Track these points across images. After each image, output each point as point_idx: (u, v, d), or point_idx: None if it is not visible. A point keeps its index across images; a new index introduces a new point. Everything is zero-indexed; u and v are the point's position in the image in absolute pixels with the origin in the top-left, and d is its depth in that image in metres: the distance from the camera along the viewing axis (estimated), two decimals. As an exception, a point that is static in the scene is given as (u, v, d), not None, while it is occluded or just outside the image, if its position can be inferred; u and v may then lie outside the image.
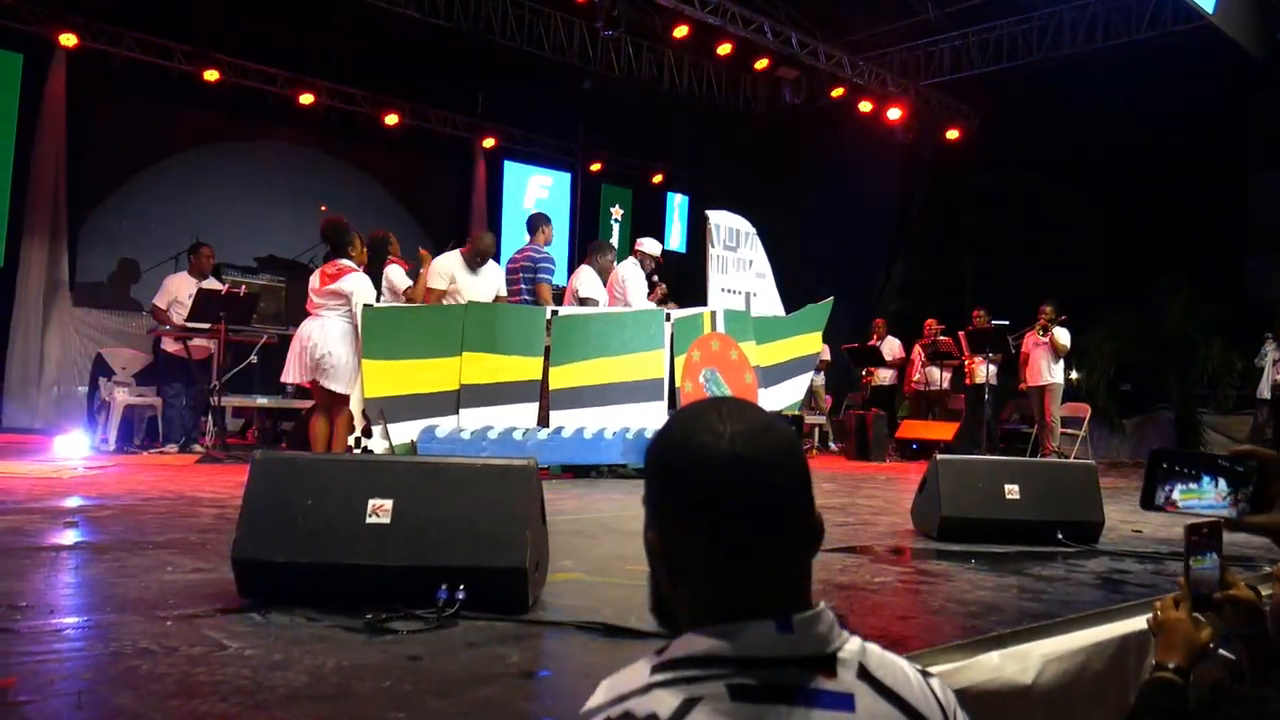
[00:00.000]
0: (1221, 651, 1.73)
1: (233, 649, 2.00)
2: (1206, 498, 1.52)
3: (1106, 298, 12.16)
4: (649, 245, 8.33)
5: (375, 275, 6.77)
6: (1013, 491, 3.99)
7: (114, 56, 10.97)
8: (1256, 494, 1.47)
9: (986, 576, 3.24)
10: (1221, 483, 1.51)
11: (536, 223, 7.67)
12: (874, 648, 0.99)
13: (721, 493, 0.95)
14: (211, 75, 11.46)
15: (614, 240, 15.31)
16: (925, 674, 1.02)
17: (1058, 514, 4.02)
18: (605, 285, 7.79)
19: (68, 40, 10.41)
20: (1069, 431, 10.61)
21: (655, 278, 8.40)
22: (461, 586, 2.28)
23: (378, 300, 6.38)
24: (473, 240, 7.17)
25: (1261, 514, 1.47)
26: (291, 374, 6.31)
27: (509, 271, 7.50)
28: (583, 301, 7.62)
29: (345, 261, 6.28)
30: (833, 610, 0.99)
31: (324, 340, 6.09)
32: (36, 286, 10.40)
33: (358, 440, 5.96)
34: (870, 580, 3.09)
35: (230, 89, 11.78)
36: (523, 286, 7.37)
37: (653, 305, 8.04)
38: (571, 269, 13.68)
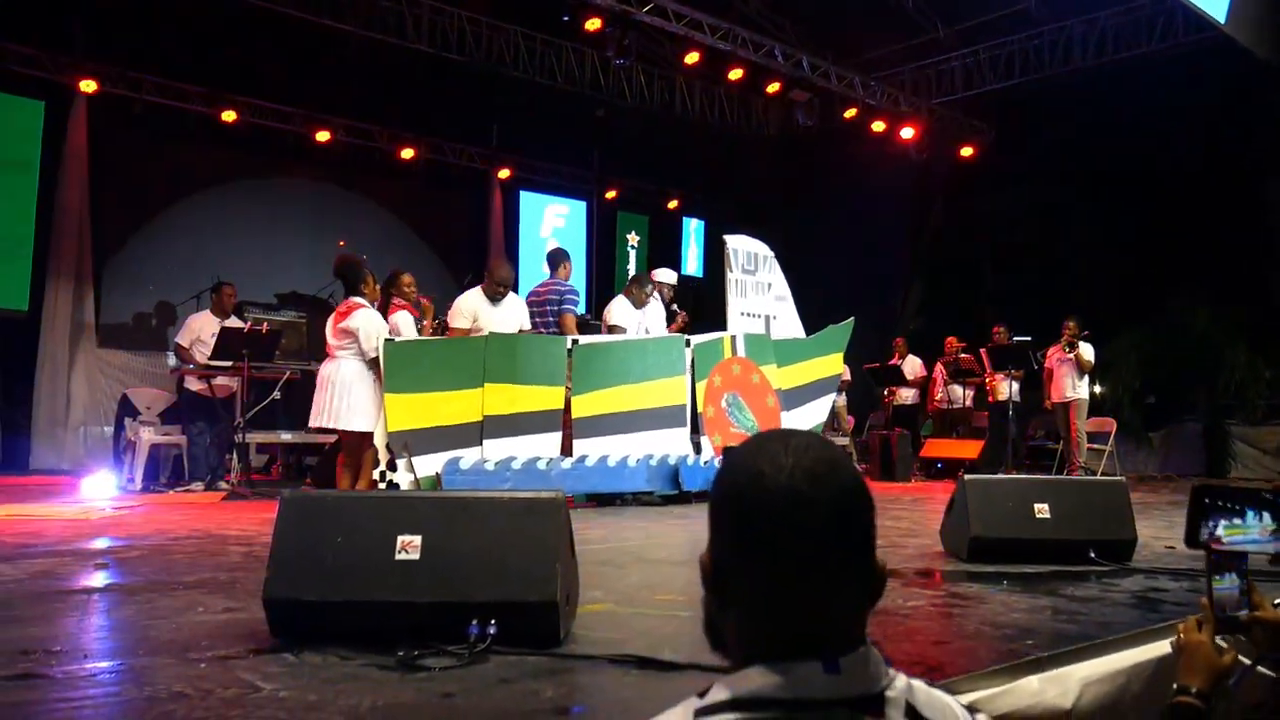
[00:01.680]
0: (1261, 669, 1.69)
1: (267, 690, 2.00)
2: (1251, 532, 1.50)
3: (1127, 310, 12.06)
4: (663, 274, 8.45)
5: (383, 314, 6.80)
6: (1043, 510, 3.96)
7: (133, 101, 11.14)
8: None
9: (1020, 598, 3.20)
10: (1266, 517, 1.48)
11: (558, 258, 7.78)
12: (921, 685, 0.98)
13: (771, 526, 0.94)
14: (229, 116, 11.62)
15: (631, 267, 15.38)
16: (973, 710, 1.00)
17: (1089, 532, 3.97)
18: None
19: (88, 87, 10.58)
20: (1095, 447, 10.50)
21: (675, 306, 8.43)
22: (492, 622, 2.27)
23: None
24: (490, 272, 7.19)
25: None
26: (322, 417, 6.26)
27: (532, 305, 7.54)
28: (611, 329, 7.66)
29: (355, 299, 6.30)
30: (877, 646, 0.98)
31: (340, 382, 6.09)
32: (62, 329, 10.52)
33: (382, 474, 5.97)
34: (903, 605, 3.06)
35: (248, 128, 11.93)
36: (550, 319, 7.41)
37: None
38: (589, 298, 13.80)
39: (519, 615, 2.32)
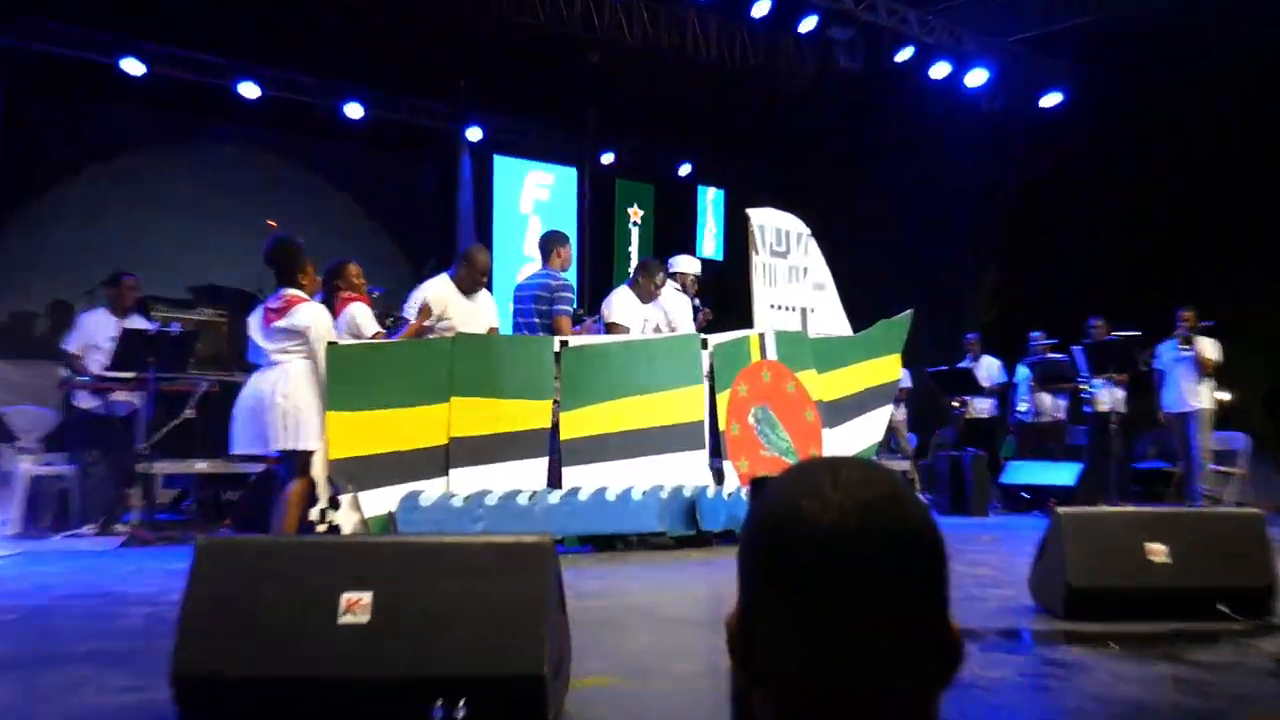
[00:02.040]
0: None
1: (174, 794, 1.96)
2: None
3: (1255, 297, 12.02)
4: (685, 264, 8.47)
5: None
6: (1158, 552, 3.97)
7: (17, 50, 11.14)
8: None
9: (1132, 666, 3.21)
10: None
11: (551, 243, 7.66)
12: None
13: (812, 576, 0.91)
14: (135, 68, 11.61)
15: (633, 249, 15.39)
16: None
17: (1217, 579, 3.98)
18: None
19: (-43, 32, 10.62)
20: (1222, 469, 10.47)
21: (698, 301, 8.41)
22: (462, 701, 2.26)
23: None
24: (469, 257, 7.12)
25: None
26: (271, 440, 5.96)
27: (517, 300, 7.52)
28: (611, 328, 7.62)
29: (293, 291, 6.21)
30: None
31: (293, 391, 5.94)
32: (-77, 335, 10.55)
33: (322, 514, 5.93)
34: (984, 674, 3.04)
35: (157, 82, 11.92)
36: (536, 320, 7.35)
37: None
38: (581, 289, 13.79)
39: (495, 692, 2.30)
